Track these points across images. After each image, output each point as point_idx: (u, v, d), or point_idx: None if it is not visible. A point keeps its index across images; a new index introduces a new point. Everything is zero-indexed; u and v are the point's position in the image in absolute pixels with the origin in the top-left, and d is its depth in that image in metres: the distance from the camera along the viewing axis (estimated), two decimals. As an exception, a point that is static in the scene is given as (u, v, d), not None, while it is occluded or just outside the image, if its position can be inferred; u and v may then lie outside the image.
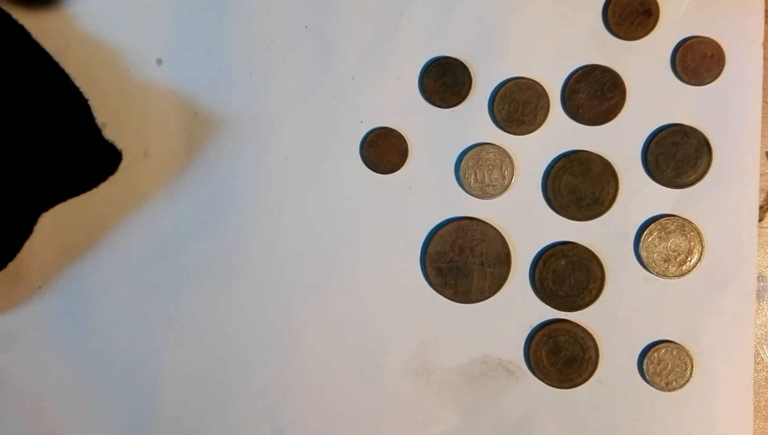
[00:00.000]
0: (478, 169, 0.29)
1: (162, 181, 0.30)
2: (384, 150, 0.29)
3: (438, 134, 0.29)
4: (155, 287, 0.30)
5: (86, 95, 0.28)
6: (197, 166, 0.30)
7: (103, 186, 0.29)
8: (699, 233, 0.29)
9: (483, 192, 0.29)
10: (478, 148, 0.29)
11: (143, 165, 0.30)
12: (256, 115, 0.30)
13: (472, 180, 0.29)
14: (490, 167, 0.29)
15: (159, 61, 0.30)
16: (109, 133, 0.29)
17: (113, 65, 0.30)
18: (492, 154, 0.29)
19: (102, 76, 0.30)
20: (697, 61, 0.29)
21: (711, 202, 0.29)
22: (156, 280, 0.30)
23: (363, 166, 0.30)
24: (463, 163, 0.29)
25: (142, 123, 0.30)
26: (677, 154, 0.29)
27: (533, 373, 0.29)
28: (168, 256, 0.30)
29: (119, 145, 0.29)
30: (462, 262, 0.29)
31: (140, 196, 0.30)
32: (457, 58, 0.29)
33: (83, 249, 0.30)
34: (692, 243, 0.29)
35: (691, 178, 0.29)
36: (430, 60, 0.29)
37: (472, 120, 0.29)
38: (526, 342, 0.29)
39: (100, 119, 0.29)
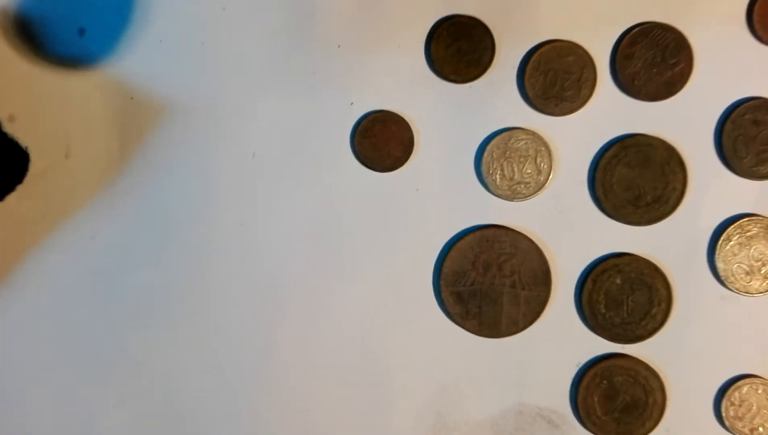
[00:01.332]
0: (505, 161, 0.26)
1: (89, 189, 0.27)
2: (382, 141, 0.27)
3: (452, 118, 0.27)
4: (85, 329, 0.28)
5: None
6: (135, 169, 0.27)
7: (9, 199, 0.27)
8: None
9: (513, 192, 0.26)
10: (505, 135, 0.26)
11: (64, 168, 0.27)
12: (211, 98, 0.27)
13: (498, 177, 0.26)
14: (522, 159, 0.26)
15: (81, 31, 0.27)
16: (18, 129, 0.27)
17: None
18: (523, 142, 0.26)
19: (5, 53, 0.26)
20: None
21: None
22: (85, 320, 0.27)
23: (355, 162, 0.27)
24: (486, 154, 0.26)
25: (60, 113, 0.27)
26: (758, 136, 0.26)
27: (583, 424, 0.27)
28: (100, 287, 0.28)
29: (30, 142, 0.27)
30: (488, 284, 0.26)
31: (60, 209, 0.27)
32: (475, 16, 0.27)
33: None
34: None
35: None
36: (440, 20, 0.27)
37: (496, 98, 0.27)
38: (572, 385, 0.27)
39: (3, 111, 0.27)
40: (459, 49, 0.26)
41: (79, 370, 0.27)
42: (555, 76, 0.26)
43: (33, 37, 0.27)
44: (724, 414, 0.26)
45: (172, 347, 0.27)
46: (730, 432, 0.26)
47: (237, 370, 0.27)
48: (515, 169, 0.26)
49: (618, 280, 0.26)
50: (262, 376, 0.27)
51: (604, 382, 0.26)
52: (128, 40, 0.27)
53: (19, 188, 0.27)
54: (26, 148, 0.26)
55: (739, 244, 0.26)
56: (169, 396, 0.27)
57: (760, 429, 0.26)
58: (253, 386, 0.27)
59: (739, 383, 0.26)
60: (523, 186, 0.26)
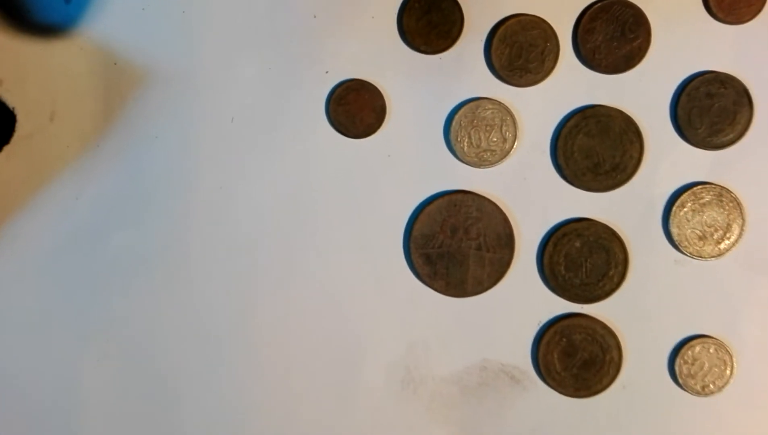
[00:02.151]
0: (473, 130, 0.27)
1: (73, 151, 0.28)
2: (356, 108, 0.27)
3: (423, 87, 0.27)
4: (68, 290, 0.28)
5: None
6: (118, 132, 0.28)
7: None
8: (739, 204, 0.27)
9: (479, 158, 0.27)
10: (472, 104, 0.27)
11: (48, 131, 0.28)
12: (192, 65, 0.27)
13: (465, 144, 0.27)
14: (488, 128, 0.27)
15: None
16: (4, 93, 0.28)
17: (7, 5, 0.27)
18: (490, 112, 0.27)
19: None
20: None
21: (753, 165, 0.27)
22: (69, 280, 0.28)
23: (330, 128, 0.27)
24: (454, 123, 0.27)
25: (45, 78, 0.28)
26: (713, 108, 0.27)
27: (543, 380, 0.27)
28: (84, 248, 0.28)
29: (16, 107, 0.27)
30: (455, 246, 0.27)
31: (45, 171, 0.28)
32: None
33: None
34: (731, 216, 0.27)
35: (729, 137, 0.27)
36: None
37: (464, 69, 0.27)
38: (534, 342, 0.27)
39: None
40: (429, 21, 0.27)
41: (63, 327, 0.28)
42: (520, 49, 0.27)
43: (18, 5, 0.28)
44: (677, 371, 0.27)
45: (153, 306, 0.28)
46: (683, 389, 0.27)
47: (215, 328, 0.28)
48: (482, 137, 0.27)
49: (577, 244, 0.27)
50: (239, 334, 0.28)
51: (564, 339, 0.27)
52: (111, 8, 0.27)
53: (6, 149, 0.27)
54: (13, 109, 0.27)
55: (693, 210, 0.27)
56: (149, 353, 0.28)
57: (711, 386, 0.27)
58: (230, 343, 0.28)
59: (691, 343, 0.27)
60: (489, 153, 0.27)
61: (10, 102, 0.27)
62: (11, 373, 0.28)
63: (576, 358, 0.27)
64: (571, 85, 0.27)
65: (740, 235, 0.27)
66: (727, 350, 0.27)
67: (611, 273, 0.27)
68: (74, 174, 0.27)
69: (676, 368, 0.27)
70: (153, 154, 0.27)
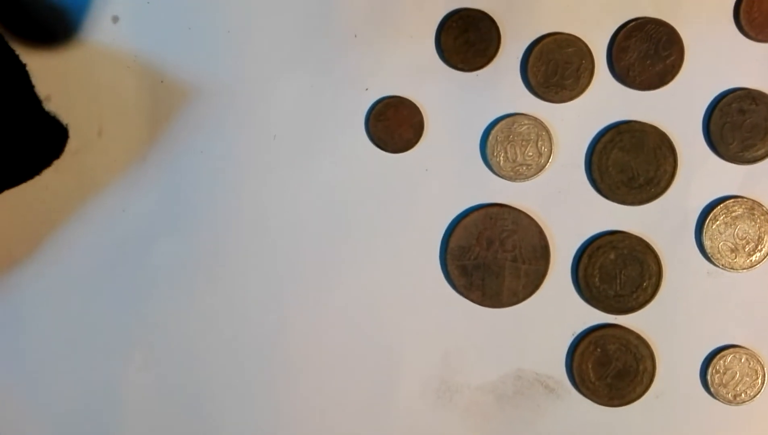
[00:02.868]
0: (509, 145, 0.28)
1: (120, 165, 0.28)
2: (395, 124, 0.28)
3: (460, 104, 0.28)
4: (114, 297, 0.29)
5: (24, 59, 0.27)
6: (164, 147, 0.28)
7: (46, 173, 0.28)
8: None
9: (515, 173, 0.28)
10: (508, 120, 0.28)
11: (97, 146, 0.28)
12: (235, 83, 0.28)
13: (501, 159, 0.28)
14: (524, 143, 0.28)
15: (115, 19, 0.28)
16: (54, 108, 0.28)
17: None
18: (526, 127, 0.28)
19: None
20: (765, 13, 0.27)
21: None
22: (115, 289, 0.29)
23: (369, 143, 0.28)
24: (490, 138, 0.28)
25: (94, 95, 0.28)
26: (744, 124, 0.28)
27: (578, 389, 0.28)
28: (129, 258, 0.29)
29: (66, 122, 0.28)
30: (491, 258, 0.28)
31: (93, 184, 0.29)
32: (482, 9, 0.28)
33: (23, 252, 0.29)
34: (763, 229, 0.28)
35: (760, 152, 0.28)
36: (449, 13, 0.28)
37: (500, 85, 0.28)
38: (568, 352, 0.28)
39: (41, 91, 0.28)
40: (467, 40, 0.28)
41: (107, 334, 0.29)
42: (556, 66, 0.28)
43: (65, 25, 0.28)
44: (709, 381, 0.28)
45: (194, 315, 0.29)
46: (715, 398, 0.28)
47: (254, 337, 0.29)
48: (518, 151, 0.28)
49: (612, 256, 0.28)
50: (277, 343, 0.29)
51: (598, 350, 0.28)
52: (159, 29, 0.28)
53: (56, 163, 0.28)
54: (66, 124, 0.27)
55: (725, 223, 0.28)
56: (189, 360, 0.29)
57: (743, 395, 0.28)
58: (267, 353, 0.29)
59: (723, 353, 0.28)
60: (524, 168, 0.28)
61: (60, 118, 0.28)
62: (57, 379, 0.29)
63: (610, 368, 0.28)
64: (606, 101, 0.28)
65: None
66: (758, 360, 0.28)
67: (645, 284, 0.28)
68: (121, 187, 0.28)
69: (708, 378, 0.28)
70: (197, 169, 0.28)
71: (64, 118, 0.28)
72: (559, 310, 0.28)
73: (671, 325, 0.28)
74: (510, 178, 0.28)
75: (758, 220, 0.27)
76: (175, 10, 0.28)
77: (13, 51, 0.26)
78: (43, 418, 0.29)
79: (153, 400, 0.29)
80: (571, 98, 0.28)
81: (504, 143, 0.28)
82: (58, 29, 0.28)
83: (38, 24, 0.28)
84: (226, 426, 0.29)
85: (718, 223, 0.28)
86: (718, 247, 0.28)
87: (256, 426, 0.29)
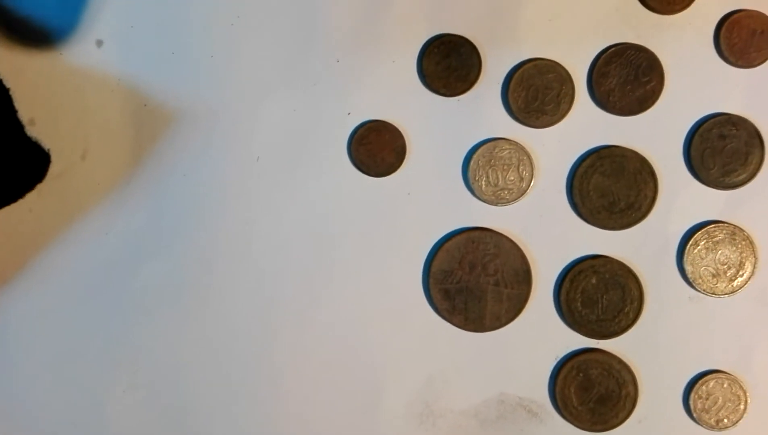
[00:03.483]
0: (490, 169, 0.28)
1: (104, 188, 0.29)
2: (377, 148, 0.28)
3: (442, 128, 0.28)
4: (99, 320, 0.29)
5: (7, 84, 0.28)
6: (147, 170, 0.29)
7: (29, 196, 0.29)
8: (752, 242, 0.28)
9: (497, 197, 0.28)
10: (490, 145, 0.28)
11: (80, 169, 0.29)
12: (219, 106, 0.29)
13: (483, 183, 0.28)
14: (505, 167, 0.28)
15: (99, 43, 0.29)
16: (38, 131, 0.29)
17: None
18: (507, 152, 0.28)
19: (28, 61, 0.28)
20: (745, 38, 0.28)
21: (764, 204, 0.28)
22: (98, 313, 0.29)
23: (352, 167, 0.29)
24: (472, 162, 0.28)
25: (78, 118, 0.29)
26: (725, 149, 0.28)
27: (560, 413, 0.28)
28: (113, 282, 0.29)
29: (50, 145, 0.29)
30: (473, 282, 0.28)
31: (77, 207, 0.29)
32: (463, 35, 0.28)
33: (6, 276, 0.29)
34: (744, 254, 0.28)
35: (741, 177, 0.28)
36: (431, 38, 0.28)
37: (482, 110, 0.28)
38: (551, 377, 0.28)
39: (25, 114, 0.28)
40: (449, 65, 0.28)
41: (93, 356, 0.29)
42: (536, 92, 0.28)
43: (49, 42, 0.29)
44: (692, 406, 0.28)
45: (179, 336, 0.29)
46: (698, 423, 0.28)
47: (238, 359, 0.29)
48: (499, 176, 0.28)
49: (593, 280, 0.28)
50: (261, 366, 0.29)
51: (581, 374, 0.28)
52: (142, 52, 0.28)
53: (39, 187, 0.28)
54: (48, 149, 0.28)
55: (706, 248, 0.28)
56: (175, 382, 0.29)
57: (725, 420, 0.28)
58: (252, 375, 0.29)
59: (706, 378, 0.28)
60: (506, 192, 0.28)
61: (44, 141, 0.28)
62: (41, 400, 0.29)
63: (592, 393, 0.28)
64: (587, 126, 0.28)
65: (753, 272, 0.28)
66: (740, 385, 0.28)
67: (627, 309, 0.28)
68: (105, 210, 0.29)
69: (691, 403, 0.28)
70: (181, 192, 0.29)
71: (48, 141, 0.29)
72: (541, 335, 0.28)
73: (653, 350, 0.28)
74: (492, 202, 0.28)
75: (739, 245, 0.28)
76: (158, 34, 0.29)
77: (-4, 76, 0.27)
78: (24, 441, 0.29)
79: (139, 421, 0.29)
80: (551, 123, 0.28)
81: (486, 168, 0.28)
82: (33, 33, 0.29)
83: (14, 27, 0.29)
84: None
85: (699, 248, 0.28)
86: (700, 272, 0.28)
87: (240, 448, 0.29)
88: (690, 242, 0.28)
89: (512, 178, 0.28)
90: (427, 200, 0.28)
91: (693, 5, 0.28)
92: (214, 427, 0.29)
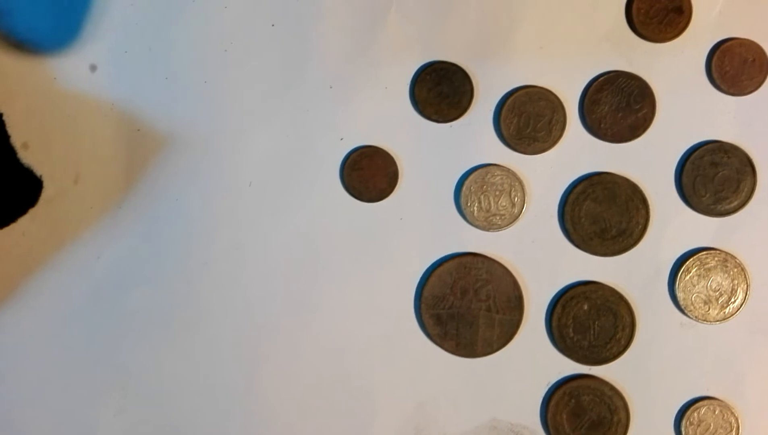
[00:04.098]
0: (482, 195, 0.28)
1: (96, 213, 0.29)
2: (369, 173, 0.28)
3: (434, 154, 0.29)
4: (88, 344, 0.29)
5: (1, 108, 0.28)
6: (139, 195, 0.29)
7: (22, 221, 0.29)
8: (743, 269, 0.28)
9: (489, 223, 0.28)
10: (482, 171, 0.28)
11: (73, 193, 0.29)
12: (212, 132, 0.29)
13: (475, 208, 0.28)
14: (497, 193, 0.28)
15: (93, 68, 0.29)
16: (31, 156, 0.29)
17: (36, 72, 0.29)
18: (499, 178, 0.28)
19: (21, 86, 0.29)
20: (737, 66, 0.28)
21: (757, 232, 0.28)
22: (89, 336, 0.29)
23: (344, 192, 0.29)
24: (464, 188, 0.28)
25: (71, 143, 0.29)
26: (716, 177, 0.28)
27: None
28: (104, 305, 0.29)
29: (43, 169, 0.29)
30: (465, 307, 0.28)
31: (69, 232, 0.29)
32: (455, 62, 0.28)
33: None
34: (736, 281, 0.28)
35: (733, 205, 0.28)
36: (423, 65, 0.29)
37: (474, 137, 0.29)
38: (543, 403, 0.28)
39: (18, 138, 0.29)
40: (441, 92, 0.28)
41: (83, 380, 0.29)
42: (528, 119, 0.28)
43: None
44: (683, 433, 0.28)
45: (169, 360, 0.29)
46: None
47: (227, 384, 0.29)
48: (491, 202, 0.28)
49: (585, 306, 0.28)
50: (251, 390, 0.29)
51: (572, 400, 0.28)
52: (136, 78, 0.29)
53: (31, 211, 0.28)
54: (40, 176, 0.28)
55: (698, 275, 0.28)
56: (165, 406, 0.29)
57: None
58: (242, 399, 0.29)
59: (697, 404, 0.28)
60: (498, 218, 0.29)
61: (37, 165, 0.28)
62: (32, 424, 0.29)
63: (584, 419, 0.28)
64: (578, 153, 0.28)
65: (745, 299, 0.28)
66: (732, 412, 0.28)
67: (618, 335, 0.28)
68: (96, 234, 0.29)
69: (683, 430, 0.28)
70: (173, 216, 0.29)
71: (41, 165, 0.29)
72: (533, 360, 0.28)
73: (645, 376, 0.28)
74: (484, 228, 0.28)
75: (731, 273, 0.28)
76: (152, 59, 0.29)
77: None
78: (14, 466, 0.29)
79: None
80: (543, 150, 0.28)
81: (478, 193, 0.28)
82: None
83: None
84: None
85: (691, 274, 0.28)
86: (691, 299, 0.28)
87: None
88: (682, 269, 0.28)
89: (504, 203, 0.28)
90: (419, 225, 0.29)
91: (685, 33, 0.28)
92: None
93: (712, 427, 0.28)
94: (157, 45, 0.29)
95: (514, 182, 0.28)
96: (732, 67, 0.28)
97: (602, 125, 0.28)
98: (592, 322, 0.28)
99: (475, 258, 0.28)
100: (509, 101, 0.28)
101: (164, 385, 0.29)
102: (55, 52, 0.29)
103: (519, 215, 0.28)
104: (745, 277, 0.28)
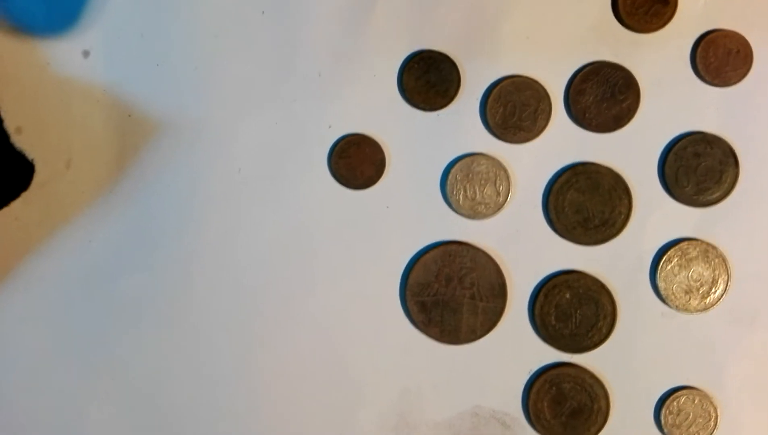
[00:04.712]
0: (468, 183, 0.28)
1: (88, 197, 0.29)
2: (357, 161, 0.29)
3: (421, 142, 0.29)
4: (78, 328, 0.29)
5: None
6: (131, 180, 0.29)
7: (14, 205, 0.29)
8: (724, 260, 0.28)
9: (474, 211, 0.29)
10: (468, 160, 0.28)
11: (65, 178, 0.29)
12: (202, 118, 0.29)
13: (461, 197, 0.28)
14: (483, 182, 0.28)
15: (85, 53, 0.29)
16: (24, 140, 0.29)
17: (29, 57, 0.29)
18: (484, 167, 0.28)
19: (15, 71, 0.29)
20: (721, 58, 0.28)
21: (738, 222, 0.28)
22: (79, 320, 0.29)
23: (332, 180, 0.29)
24: (450, 176, 0.28)
25: (64, 127, 0.29)
26: (699, 167, 0.28)
27: (533, 426, 0.29)
28: (95, 290, 0.29)
29: (35, 153, 0.29)
30: (449, 294, 0.28)
31: (61, 216, 0.29)
32: (443, 51, 0.29)
33: None
34: (717, 271, 0.28)
35: (715, 195, 0.28)
36: (411, 54, 0.29)
37: (460, 126, 0.29)
38: (524, 390, 0.29)
39: (11, 123, 0.29)
40: (428, 80, 0.29)
41: (72, 364, 0.29)
42: (514, 108, 0.28)
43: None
44: (663, 422, 0.28)
45: (158, 346, 0.29)
46: None
47: (216, 371, 0.29)
48: (476, 190, 0.29)
49: (567, 295, 0.29)
50: (239, 376, 0.29)
51: (553, 388, 0.28)
52: (127, 64, 0.29)
53: (24, 195, 0.29)
54: (32, 160, 0.28)
55: (679, 265, 0.28)
56: (153, 391, 0.29)
57: None
58: (230, 385, 0.29)
59: (677, 394, 0.28)
60: (483, 206, 0.29)
61: (29, 149, 0.29)
62: (22, 406, 0.29)
63: (565, 407, 0.28)
64: (563, 143, 0.29)
65: (725, 289, 0.28)
66: (711, 402, 0.28)
67: (600, 324, 0.28)
68: (88, 219, 0.29)
69: (662, 418, 0.28)
70: (163, 202, 0.29)
71: (34, 149, 0.29)
72: (515, 348, 0.29)
73: (626, 365, 0.28)
74: (469, 217, 0.29)
75: (712, 263, 0.28)
76: (144, 46, 0.29)
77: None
78: (5, 445, 0.30)
79: (119, 426, 0.29)
80: (528, 139, 0.29)
81: (463, 182, 0.29)
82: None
83: None
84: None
85: (672, 264, 0.28)
86: (672, 289, 0.28)
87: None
88: (663, 259, 0.28)
89: (489, 192, 0.29)
90: (406, 213, 0.29)
91: (670, 24, 0.28)
92: (193, 434, 0.29)
93: (691, 416, 0.28)
94: (149, 32, 0.29)
95: (500, 171, 0.29)
96: (716, 58, 0.28)
97: (587, 115, 0.28)
98: (574, 311, 0.28)
99: (460, 246, 0.29)
100: (496, 90, 0.28)
101: (154, 370, 0.29)
102: (49, 36, 0.29)
103: (504, 204, 0.29)
104: (726, 267, 0.28)
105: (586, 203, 0.28)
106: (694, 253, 0.28)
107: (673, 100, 0.28)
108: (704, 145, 0.28)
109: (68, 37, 0.29)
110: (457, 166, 0.29)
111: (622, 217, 0.28)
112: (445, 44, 0.29)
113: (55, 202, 0.29)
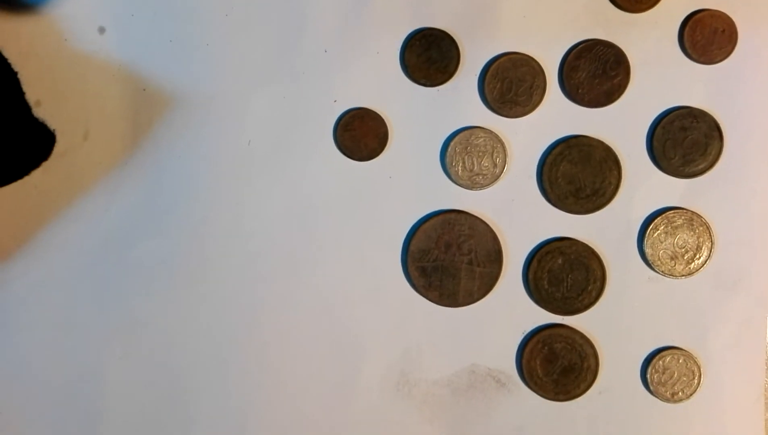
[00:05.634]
0: (466, 155, 0.29)
1: (104, 168, 0.30)
2: (361, 134, 0.29)
3: (422, 116, 0.30)
4: (97, 292, 0.30)
5: (15, 67, 0.29)
6: (145, 151, 0.30)
7: (34, 174, 0.30)
8: (708, 228, 0.29)
9: (472, 182, 0.30)
10: (466, 133, 0.29)
11: (82, 149, 0.30)
12: (213, 92, 0.30)
13: (459, 168, 0.29)
14: (480, 154, 0.29)
15: (101, 30, 0.30)
16: (43, 113, 0.30)
17: (48, 34, 0.30)
18: (482, 139, 0.29)
19: (34, 47, 0.30)
20: (707, 36, 0.29)
21: (722, 193, 0.29)
22: (97, 284, 0.30)
23: (337, 152, 0.30)
24: (449, 149, 0.29)
25: (81, 101, 0.30)
26: (686, 140, 0.29)
27: (526, 384, 0.30)
28: (112, 255, 0.30)
29: (54, 125, 0.30)
30: (448, 260, 0.30)
31: (79, 185, 0.30)
32: (444, 29, 0.30)
33: (11, 248, 0.30)
34: (701, 239, 0.29)
35: (700, 167, 0.29)
36: (413, 32, 0.30)
37: (459, 100, 0.30)
38: (518, 350, 0.30)
39: (31, 96, 0.29)
40: (429, 57, 0.29)
41: (90, 326, 0.30)
42: (510, 84, 0.29)
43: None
44: (649, 379, 0.29)
45: (172, 309, 0.30)
46: (654, 395, 0.29)
47: (225, 330, 0.30)
48: (474, 162, 0.30)
49: (560, 261, 0.30)
50: (248, 338, 0.30)
51: (546, 348, 0.29)
52: (142, 40, 0.30)
53: (44, 165, 0.29)
54: (53, 130, 0.29)
55: (666, 232, 0.29)
56: (166, 352, 0.30)
57: (680, 394, 0.29)
58: (238, 345, 0.30)
59: (662, 353, 0.29)
60: (481, 177, 0.30)
61: (48, 120, 0.30)
62: (41, 366, 0.30)
63: (556, 365, 0.30)
64: (556, 117, 0.30)
65: (709, 256, 0.29)
66: (695, 361, 0.29)
67: (590, 288, 0.30)
68: (104, 188, 0.30)
69: (648, 376, 0.29)
70: (176, 172, 0.30)
71: (53, 121, 0.30)
72: (510, 310, 0.30)
73: (614, 326, 0.30)
74: (467, 187, 0.30)
75: (697, 231, 0.29)
76: (158, 23, 0.30)
77: (5, 60, 0.28)
78: (27, 405, 0.30)
79: (134, 385, 0.30)
80: (524, 114, 0.30)
81: (462, 154, 0.30)
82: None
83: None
84: (200, 410, 0.30)
85: (659, 232, 0.29)
86: (659, 255, 0.29)
87: (226, 412, 0.30)
88: (650, 227, 0.29)
89: (486, 164, 0.30)
90: (407, 184, 0.30)
91: (659, 4, 0.29)
92: (202, 393, 0.30)
93: (676, 375, 0.29)
94: (162, 9, 0.30)
95: (496, 144, 0.30)
96: (703, 37, 0.29)
97: (579, 91, 0.29)
98: (566, 276, 0.29)
99: (459, 215, 0.30)
100: (493, 67, 0.29)
101: (167, 330, 0.30)
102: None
103: (500, 175, 0.30)
104: (710, 235, 0.29)
105: (578, 174, 0.29)
106: (679, 222, 0.29)
107: (662, 77, 0.29)
108: (691, 119, 0.29)
109: (85, 14, 0.29)
110: (456, 139, 0.30)
111: (612, 187, 0.29)
112: (446, 22, 0.29)
113: (74, 173, 0.30)
